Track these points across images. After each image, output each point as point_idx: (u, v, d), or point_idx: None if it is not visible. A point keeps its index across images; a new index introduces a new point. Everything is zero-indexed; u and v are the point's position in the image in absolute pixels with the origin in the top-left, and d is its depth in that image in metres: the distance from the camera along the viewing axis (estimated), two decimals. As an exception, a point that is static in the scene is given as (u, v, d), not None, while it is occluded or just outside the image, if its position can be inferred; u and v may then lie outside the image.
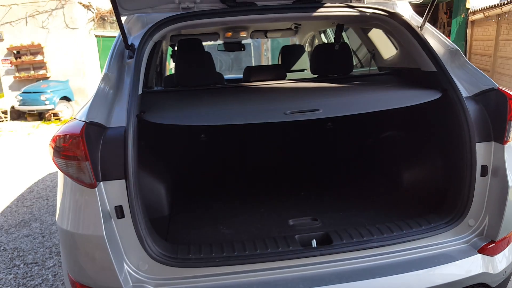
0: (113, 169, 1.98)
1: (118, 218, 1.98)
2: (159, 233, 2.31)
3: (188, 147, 3.52)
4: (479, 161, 2.24)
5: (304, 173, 3.41)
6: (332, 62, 3.32)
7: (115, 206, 1.98)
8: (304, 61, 4.79)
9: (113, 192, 1.98)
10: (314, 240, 2.21)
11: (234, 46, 6.11)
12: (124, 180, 1.96)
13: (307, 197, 2.87)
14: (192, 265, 2.06)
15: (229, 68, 9.78)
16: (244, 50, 5.98)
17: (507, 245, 2.33)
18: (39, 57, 13.89)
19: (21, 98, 12.98)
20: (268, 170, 3.53)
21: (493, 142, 2.26)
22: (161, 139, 3.34)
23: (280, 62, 4.67)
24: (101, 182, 1.96)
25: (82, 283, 2.04)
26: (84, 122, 1.93)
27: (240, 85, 3.20)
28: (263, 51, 13.05)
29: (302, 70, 4.63)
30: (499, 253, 2.25)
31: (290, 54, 4.65)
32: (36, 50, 13.85)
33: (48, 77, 14.00)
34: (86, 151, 1.89)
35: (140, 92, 2.31)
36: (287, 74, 4.58)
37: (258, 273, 2.08)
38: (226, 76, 6.04)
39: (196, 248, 2.14)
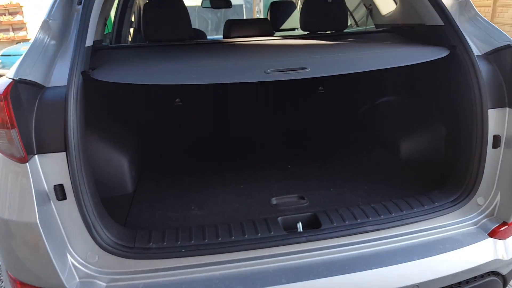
0: (51, 140, 1.62)
1: (59, 199, 1.63)
2: (119, 216, 2.00)
3: (161, 113, 3.14)
4: (491, 131, 1.92)
5: (292, 144, 3.06)
6: (324, 17, 2.90)
7: (54, 185, 1.62)
8: (295, 19, 4.33)
9: (51, 168, 1.62)
10: (300, 223, 1.89)
11: (220, 2, 5.58)
12: (65, 153, 1.60)
13: (294, 172, 2.54)
14: (153, 257, 1.73)
15: (216, 28, 9.19)
16: (231, 7, 5.46)
17: (520, 226, 2.03)
18: (18, 18, 13.14)
19: (0, 61, 12.34)
20: (251, 140, 3.17)
21: (507, 108, 1.93)
22: (127, 103, 2.95)
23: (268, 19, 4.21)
24: (36, 156, 1.60)
25: (22, 281, 1.71)
26: (11, 80, 1.54)
27: (219, 42, 2.79)
28: (255, 12, 12.38)
29: (293, 29, 4.18)
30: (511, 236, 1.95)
31: (279, 11, 4.19)
32: (14, 9, 13.07)
33: (29, 39, 13.28)
34: (12, 117, 1.51)
35: (89, 44, 1.92)
36: (276, 33, 4.16)
37: (232, 264, 1.76)
38: (212, 37, 5.55)
39: (158, 235, 1.81)
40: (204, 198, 2.24)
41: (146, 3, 2.74)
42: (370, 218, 1.88)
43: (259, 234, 1.80)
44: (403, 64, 1.92)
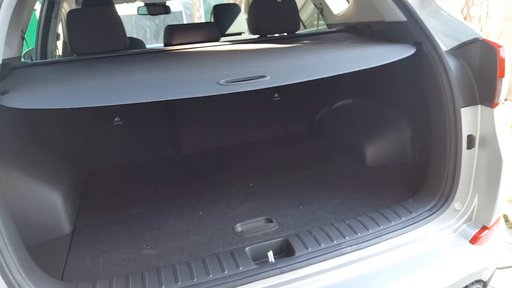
0: None
1: None
2: (55, 265, 1.68)
3: (98, 135, 2.76)
4: (465, 131, 1.80)
5: (251, 157, 2.82)
6: (275, 18, 2.70)
7: None
8: (240, 23, 4.12)
9: None
10: (271, 252, 1.65)
11: (157, 8, 5.23)
12: None
13: (257, 190, 2.29)
14: None
15: (155, 36, 8.75)
16: (169, 13, 5.13)
17: (497, 229, 1.94)
18: None
19: None
20: (205, 157, 2.89)
21: (479, 105, 1.82)
22: (56, 128, 2.56)
23: None
24: None
25: None
26: None
27: (159, 50, 2.50)
28: (196, 18, 12.06)
29: (240, 34, 3.96)
30: (492, 240, 1.85)
31: (223, 14, 3.95)
32: None
33: None
34: None
35: None
36: (222, 38, 3.92)
37: None
38: (151, 46, 5.17)
39: (105, 286, 1.51)
40: (156, 233, 1.93)
41: (70, 11, 2.37)
42: (347, 238, 1.69)
43: (226, 272, 1.55)
44: (372, 66, 1.75)
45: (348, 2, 2.77)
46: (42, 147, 2.36)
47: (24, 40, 2.58)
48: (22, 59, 3.84)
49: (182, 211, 2.11)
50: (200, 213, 2.08)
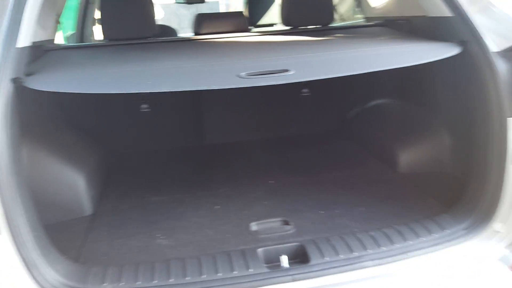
0: None
1: None
2: (73, 246, 1.71)
3: (125, 120, 2.76)
4: (511, 143, 1.61)
5: (275, 154, 2.71)
6: (308, 10, 2.57)
7: None
8: (274, 14, 3.99)
9: None
10: (285, 257, 1.54)
11: None
12: None
13: (277, 188, 2.18)
14: None
15: (190, 25, 8.77)
16: (203, 2, 5.09)
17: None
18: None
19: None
20: (229, 149, 2.82)
21: None
22: (85, 111, 2.57)
23: (246, 15, 3.86)
24: None
25: None
26: None
27: (187, 39, 2.43)
28: (232, 9, 11.99)
29: (271, 25, 3.84)
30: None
31: (257, 4, 3.84)
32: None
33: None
34: None
35: (25, 44, 1.59)
36: (254, 29, 3.81)
37: None
38: (185, 35, 5.16)
39: (115, 272, 1.48)
40: (172, 223, 1.89)
41: None
42: (369, 250, 1.55)
43: (235, 272, 1.47)
44: (407, 65, 1.59)
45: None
46: (72, 129, 2.39)
47: (59, 24, 2.61)
48: (65, 42, 3.93)
49: (200, 203, 2.06)
50: (217, 207, 2.01)
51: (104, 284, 1.42)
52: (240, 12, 3.02)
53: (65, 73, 1.63)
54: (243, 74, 1.47)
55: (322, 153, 2.70)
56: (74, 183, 1.97)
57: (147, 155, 2.77)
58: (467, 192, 1.77)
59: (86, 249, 1.71)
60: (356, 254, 1.54)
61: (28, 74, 1.55)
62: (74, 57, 2.01)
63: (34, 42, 1.71)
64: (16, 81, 1.42)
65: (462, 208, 1.74)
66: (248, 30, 2.74)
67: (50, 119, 2.21)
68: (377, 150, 2.53)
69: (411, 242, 1.59)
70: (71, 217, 1.92)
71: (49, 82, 1.50)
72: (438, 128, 2.19)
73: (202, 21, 2.68)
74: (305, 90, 2.90)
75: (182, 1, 5.37)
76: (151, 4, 2.45)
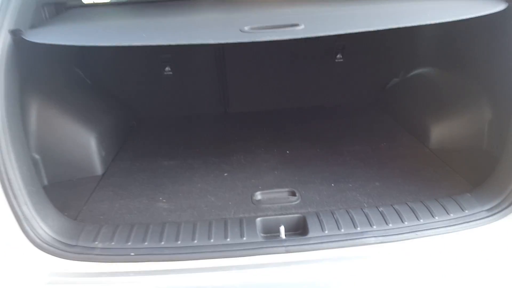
0: None
1: None
2: (72, 204, 1.74)
3: (147, 83, 2.77)
4: None
5: (298, 123, 2.60)
6: None
7: None
8: None
9: None
10: (283, 227, 1.48)
11: None
12: None
13: (293, 158, 2.10)
14: (96, 259, 1.41)
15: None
16: None
17: None
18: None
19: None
20: (252, 117, 2.75)
21: None
22: (111, 73, 2.62)
23: None
24: None
25: None
26: None
27: None
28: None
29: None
30: None
31: None
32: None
33: None
34: None
35: None
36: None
37: (190, 275, 1.40)
38: None
39: (109, 232, 1.49)
40: (177, 188, 1.88)
41: None
42: (374, 227, 1.44)
43: (228, 239, 1.43)
44: (436, 21, 1.41)
45: None
46: (89, 89, 2.43)
47: None
48: None
49: (209, 169, 2.04)
50: (225, 174, 1.98)
51: (95, 243, 1.43)
52: None
53: (63, 27, 1.63)
54: (246, 28, 1.37)
55: (350, 125, 2.55)
56: (85, 142, 2.00)
57: (168, 119, 2.77)
58: (497, 171, 1.57)
59: (87, 208, 1.74)
60: (359, 229, 1.43)
61: (33, 28, 1.56)
62: (88, 14, 2.02)
63: None
64: (15, 33, 1.43)
65: (489, 189, 1.55)
66: None
67: (66, 78, 2.24)
68: (409, 123, 2.34)
69: (423, 221, 1.45)
70: (81, 176, 1.97)
71: (45, 35, 1.49)
72: (479, 101, 1.96)
73: None
74: (339, 56, 2.73)
75: None
76: None
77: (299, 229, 1.52)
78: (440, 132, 2.10)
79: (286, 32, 1.36)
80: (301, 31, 1.36)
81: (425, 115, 2.20)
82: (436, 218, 1.46)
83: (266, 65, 2.74)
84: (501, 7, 1.48)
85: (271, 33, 1.36)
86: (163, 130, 2.65)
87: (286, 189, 1.78)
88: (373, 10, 1.60)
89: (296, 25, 1.37)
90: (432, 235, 1.42)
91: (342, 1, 1.73)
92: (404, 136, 2.30)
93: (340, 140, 2.29)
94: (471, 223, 1.44)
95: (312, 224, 1.47)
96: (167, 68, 2.63)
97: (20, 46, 1.46)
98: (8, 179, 1.36)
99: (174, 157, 2.20)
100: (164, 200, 1.77)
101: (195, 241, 1.43)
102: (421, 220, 1.45)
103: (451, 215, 1.47)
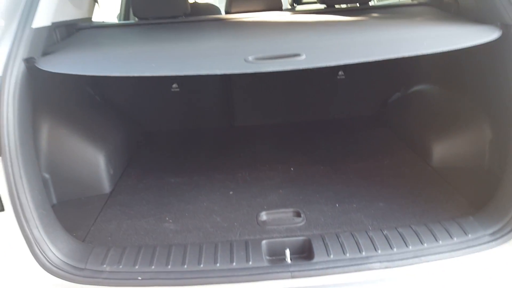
0: None
1: None
2: (84, 224, 1.77)
3: (154, 99, 2.81)
4: None
5: (301, 139, 2.63)
6: None
7: None
8: None
9: None
10: (288, 251, 1.50)
11: None
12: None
13: (296, 176, 2.12)
14: (103, 283, 1.43)
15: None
16: None
17: None
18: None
19: None
20: (257, 131, 2.78)
21: None
22: (121, 89, 2.65)
23: None
24: None
25: None
26: None
27: (214, 19, 2.38)
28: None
29: (315, 2, 3.66)
30: None
31: None
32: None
33: None
34: None
35: (44, 24, 1.64)
36: (298, 6, 3.68)
37: None
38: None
39: (116, 254, 1.51)
40: (183, 206, 1.90)
41: None
42: (379, 251, 1.46)
43: (234, 264, 1.45)
44: (433, 51, 1.44)
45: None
46: (98, 107, 2.46)
47: (97, 2, 2.68)
48: (118, 20, 4.05)
49: (214, 187, 2.06)
50: (231, 192, 2.00)
51: (103, 266, 1.45)
52: None
53: (75, 55, 1.66)
54: (250, 58, 1.41)
55: (353, 140, 2.57)
56: (94, 161, 2.02)
57: (174, 134, 2.80)
58: (498, 194, 1.59)
59: (95, 228, 1.76)
60: (364, 254, 1.45)
61: (45, 54, 1.60)
62: (98, 37, 2.05)
63: (56, 23, 1.75)
64: (29, 61, 1.47)
65: (492, 212, 1.57)
66: (280, 8, 2.63)
67: (77, 97, 2.27)
68: (411, 140, 2.36)
69: (426, 245, 1.47)
70: (89, 194, 1.99)
71: (56, 64, 1.53)
72: (480, 120, 1.99)
73: (234, 0, 2.61)
74: (340, 73, 2.76)
75: None
76: None
77: (304, 252, 1.54)
78: (442, 150, 2.13)
79: (288, 63, 1.41)
80: (302, 62, 1.40)
81: (427, 133, 2.22)
82: (440, 242, 1.48)
83: (270, 81, 2.77)
84: (495, 35, 1.52)
85: (274, 63, 1.41)
86: (169, 145, 2.68)
87: (291, 209, 1.80)
88: (372, 38, 1.63)
89: (298, 55, 1.42)
90: (436, 260, 1.44)
91: (342, 29, 1.76)
92: (406, 153, 2.33)
93: (343, 157, 2.31)
94: (474, 248, 1.46)
95: (317, 247, 1.49)
96: (174, 85, 2.67)
97: (34, 73, 1.50)
98: (20, 203, 1.39)
99: (180, 174, 2.23)
100: (170, 220, 1.79)
101: (201, 265, 1.45)
102: (425, 244, 1.47)
103: (455, 239, 1.49)
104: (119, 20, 4.03)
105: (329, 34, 1.69)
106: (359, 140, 2.57)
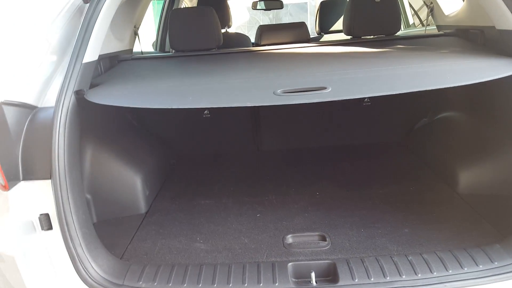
0: (39, 165, 1.55)
1: (44, 229, 1.56)
2: (122, 242, 1.89)
3: (186, 125, 2.96)
4: None
5: (327, 165, 2.69)
6: (371, 19, 2.50)
7: (40, 215, 1.55)
8: None
9: (37, 195, 1.56)
10: (313, 274, 1.55)
11: (272, 3, 5.31)
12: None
13: (322, 201, 2.18)
14: None
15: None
16: (282, 7, 5.15)
17: None
18: None
19: None
20: (283, 156, 2.86)
21: None
22: (156, 115, 2.81)
23: (317, 21, 3.85)
24: (21, 182, 1.54)
25: None
26: None
27: (245, 50, 2.52)
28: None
29: (341, 31, 3.78)
30: None
31: (329, 10, 3.81)
32: None
33: None
34: None
35: (93, 59, 1.81)
36: (325, 35, 3.80)
37: None
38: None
39: (151, 272, 1.61)
40: (213, 228, 2.00)
41: (171, 11, 2.58)
42: (404, 277, 1.49)
43: (261, 284, 1.51)
44: (455, 84, 1.50)
45: (463, 1, 2.40)
46: (136, 132, 2.60)
47: (137, 35, 2.90)
48: (153, 47, 4.31)
49: (242, 210, 2.14)
50: (258, 215, 2.08)
51: (139, 283, 1.54)
52: (302, 23, 3.02)
53: (119, 87, 1.81)
54: (279, 91, 1.52)
55: (379, 166, 2.61)
56: (132, 184, 2.15)
57: (205, 157, 2.92)
58: None
59: (132, 246, 1.87)
60: (388, 279, 1.49)
61: (93, 86, 1.76)
62: (137, 69, 2.22)
63: (101, 55, 1.93)
64: (78, 93, 1.63)
65: None
66: (309, 41, 2.75)
67: (118, 123, 2.44)
68: (437, 166, 2.38)
69: (451, 272, 1.49)
70: (126, 214, 2.12)
71: (103, 96, 1.69)
72: (506, 146, 2.00)
73: (263, 33, 2.76)
74: (366, 100, 2.83)
75: (261, 8, 5.48)
76: (216, 19, 2.58)
77: (329, 276, 1.58)
78: (469, 177, 2.13)
79: (315, 96, 1.51)
80: (327, 94, 1.49)
81: (453, 159, 2.24)
82: (465, 269, 1.50)
83: (297, 108, 2.87)
84: (509, 72, 1.56)
85: (301, 96, 1.52)
86: (200, 168, 2.80)
87: (316, 233, 1.86)
88: (396, 71, 1.70)
89: (324, 88, 1.51)
90: (461, 287, 1.46)
91: (367, 61, 1.85)
92: (432, 179, 2.34)
93: (368, 182, 2.35)
94: (500, 276, 1.47)
95: (342, 271, 1.54)
96: (205, 111, 2.81)
97: (82, 103, 1.66)
98: (67, 223, 1.52)
99: (210, 196, 2.33)
100: (201, 241, 1.89)
101: (230, 285, 1.52)
102: (450, 271, 1.49)
103: (480, 266, 1.50)
104: (155, 47, 4.26)
105: (353, 67, 1.78)
106: (384, 166, 2.61)
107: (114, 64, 2.30)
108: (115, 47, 2.33)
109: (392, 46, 2.30)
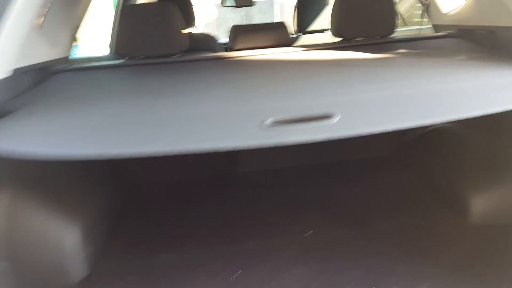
0: None
1: None
2: None
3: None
4: None
5: (317, 189, 2.29)
6: (363, 18, 2.13)
7: None
8: (326, 18, 3.55)
9: None
10: None
11: (243, 0, 4.88)
12: None
13: (315, 245, 1.77)
14: None
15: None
16: (252, 5, 4.73)
17: None
18: None
19: None
20: (264, 178, 2.45)
21: None
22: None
23: (295, 20, 3.44)
24: None
25: None
26: None
27: (217, 57, 2.10)
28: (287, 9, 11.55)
29: (322, 31, 3.40)
30: None
31: (307, 7, 3.43)
32: None
33: None
34: None
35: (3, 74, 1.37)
36: (302, 36, 3.42)
37: None
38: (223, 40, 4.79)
39: None
40: None
41: (123, 7, 2.09)
42: None
43: None
44: (495, 111, 1.15)
45: (466, -3, 2.08)
46: (74, 167, 1.87)
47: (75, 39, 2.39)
48: (110, 50, 3.69)
49: (216, 266, 1.66)
50: (237, 274, 1.61)
51: None
52: (281, 23, 2.61)
53: (32, 121, 1.27)
54: (268, 122, 1.10)
55: (373, 189, 2.24)
56: (64, 240, 1.55)
57: (168, 188, 2.41)
58: None
59: None
60: None
61: (4, 113, 1.28)
62: (72, 85, 1.73)
63: (19, 68, 1.46)
64: None
65: None
66: (290, 44, 2.34)
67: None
68: (441, 189, 2.04)
69: None
70: (59, 284, 1.57)
71: (5, 137, 1.15)
72: None
73: (238, 35, 2.32)
74: None
75: (230, 5, 5.05)
76: (179, 18, 2.12)
77: None
78: (483, 205, 1.81)
79: (317, 130, 1.07)
80: (338, 126, 1.07)
81: (461, 181, 1.91)
82: None
83: None
84: None
85: (300, 131, 1.07)
86: (161, 201, 2.29)
87: None
88: (415, 89, 1.31)
89: (330, 116, 1.08)
90: None
91: (370, 73, 1.47)
92: (439, 206, 2.00)
93: (368, 213, 1.98)
94: None
95: None
96: None
97: None
98: None
99: (173, 247, 1.82)
100: None
101: None
102: None
103: None
104: (111, 50, 3.70)
105: (357, 80, 1.40)
106: (380, 189, 2.25)
107: (45, 77, 1.80)
108: (45, 55, 1.84)
109: (392, 51, 1.94)
